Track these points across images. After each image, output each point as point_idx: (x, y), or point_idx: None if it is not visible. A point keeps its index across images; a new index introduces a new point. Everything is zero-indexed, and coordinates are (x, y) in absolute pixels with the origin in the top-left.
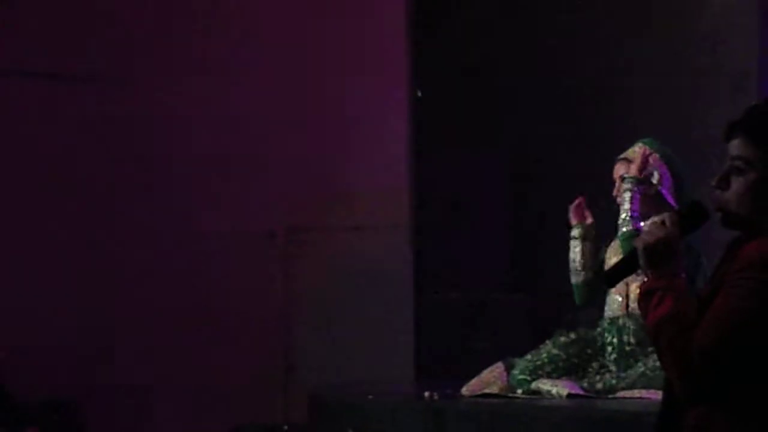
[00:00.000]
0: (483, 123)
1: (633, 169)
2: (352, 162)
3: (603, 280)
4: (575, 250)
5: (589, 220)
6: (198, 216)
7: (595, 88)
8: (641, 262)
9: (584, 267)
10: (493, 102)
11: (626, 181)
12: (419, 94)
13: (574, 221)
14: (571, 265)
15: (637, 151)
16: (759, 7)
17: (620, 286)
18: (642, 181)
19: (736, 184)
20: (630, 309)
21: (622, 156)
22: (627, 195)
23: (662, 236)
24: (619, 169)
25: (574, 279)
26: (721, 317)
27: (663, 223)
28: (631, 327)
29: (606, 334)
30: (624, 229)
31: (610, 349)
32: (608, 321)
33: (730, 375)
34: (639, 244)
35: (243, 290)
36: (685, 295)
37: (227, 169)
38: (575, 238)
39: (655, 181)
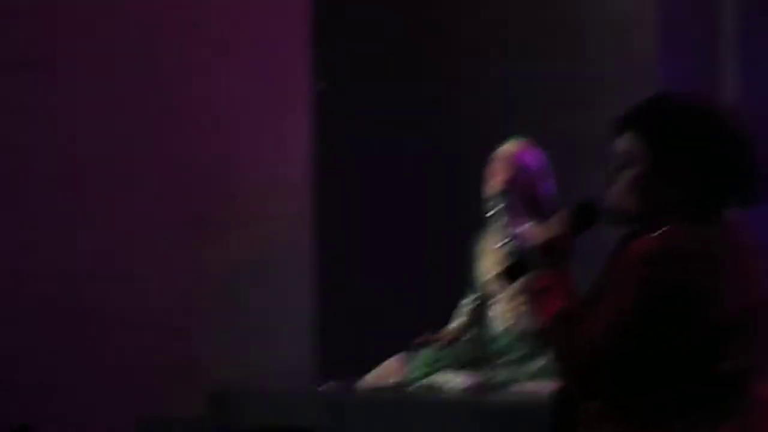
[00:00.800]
0: (387, 112)
1: (498, 183)
2: (253, 154)
3: (500, 277)
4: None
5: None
6: (97, 207)
7: (497, 81)
8: (534, 261)
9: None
10: (399, 91)
11: (494, 199)
12: (322, 84)
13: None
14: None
15: (510, 148)
16: (658, 6)
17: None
18: (511, 191)
19: (621, 179)
20: (522, 312)
21: (498, 155)
22: (500, 213)
23: (553, 236)
24: (496, 168)
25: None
26: (607, 316)
27: (554, 222)
28: (522, 328)
29: (505, 338)
30: (510, 250)
31: (512, 352)
32: (501, 320)
33: (618, 373)
34: (531, 243)
35: (143, 283)
36: (573, 293)
37: (127, 159)
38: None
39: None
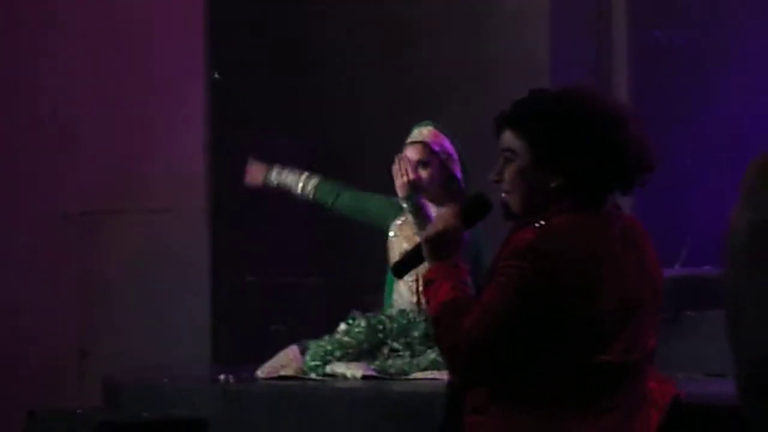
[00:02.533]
0: (282, 105)
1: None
2: (148, 145)
3: (392, 270)
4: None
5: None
6: None
7: (392, 74)
8: (425, 253)
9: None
10: (291, 84)
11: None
12: (216, 76)
13: (403, 194)
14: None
15: (426, 132)
16: None
17: (410, 281)
18: (428, 177)
19: (507, 173)
20: (421, 306)
21: (414, 139)
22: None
23: (443, 228)
24: (414, 153)
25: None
26: (485, 307)
27: (445, 215)
28: (421, 324)
29: (396, 323)
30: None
31: (404, 339)
32: (398, 311)
33: (498, 361)
34: (422, 236)
35: (35, 273)
36: (465, 284)
37: (20, 149)
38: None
39: (444, 160)
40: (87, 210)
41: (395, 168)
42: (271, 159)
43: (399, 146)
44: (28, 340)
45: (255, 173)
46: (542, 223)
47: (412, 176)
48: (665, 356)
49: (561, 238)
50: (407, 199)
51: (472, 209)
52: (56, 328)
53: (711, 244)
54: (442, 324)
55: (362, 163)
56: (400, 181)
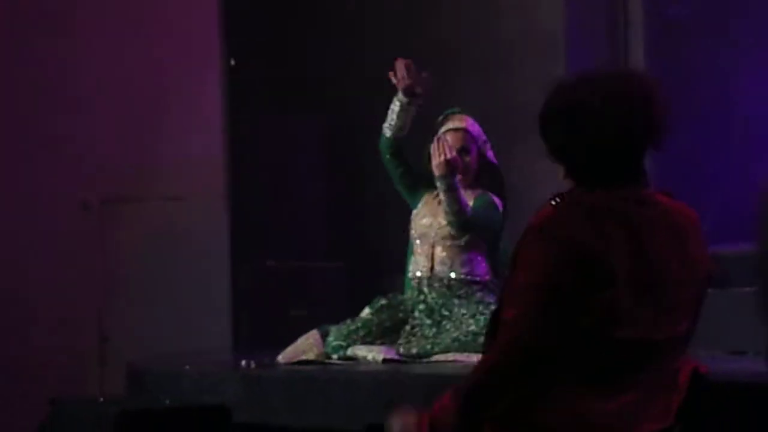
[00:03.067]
0: (300, 89)
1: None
2: (166, 132)
3: None
4: (395, 110)
5: (418, 90)
6: (9, 185)
7: (409, 52)
8: None
9: (400, 129)
10: (309, 67)
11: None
12: (232, 62)
13: (401, 85)
14: (389, 120)
15: (464, 119)
16: None
17: (426, 248)
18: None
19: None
20: (434, 272)
21: (455, 126)
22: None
23: None
24: (456, 140)
25: (387, 131)
26: (518, 292)
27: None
28: (436, 286)
29: (416, 294)
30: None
31: (422, 306)
32: (415, 281)
33: (533, 349)
34: None
35: (56, 261)
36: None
37: (39, 138)
38: (401, 102)
39: (480, 145)
40: (106, 198)
41: (433, 147)
42: (288, 142)
43: (418, 126)
44: (49, 329)
45: None
46: (557, 199)
47: (450, 156)
48: None
49: (575, 211)
50: (444, 177)
51: None
52: (77, 316)
53: (731, 222)
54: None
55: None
56: (437, 160)
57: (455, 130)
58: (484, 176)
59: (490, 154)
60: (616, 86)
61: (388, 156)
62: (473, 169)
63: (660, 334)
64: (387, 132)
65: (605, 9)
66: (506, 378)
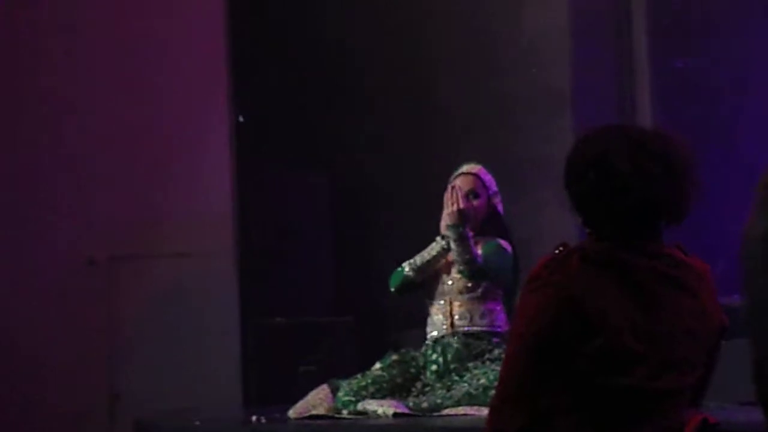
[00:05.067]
0: (306, 147)
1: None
2: (174, 188)
3: None
4: (431, 254)
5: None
6: (16, 242)
7: (414, 111)
8: None
9: (423, 272)
10: (316, 123)
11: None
12: (241, 119)
13: (445, 230)
14: (418, 259)
15: (477, 167)
16: (571, 26)
17: (443, 305)
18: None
19: None
20: (455, 328)
21: (467, 171)
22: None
23: None
24: (466, 183)
25: (408, 271)
26: (509, 347)
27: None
28: (455, 345)
29: (429, 352)
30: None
31: (434, 367)
32: (432, 340)
33: (527, 398)
34: None
35: (64, 319)
36: None
37: (46, 193)
38: (442, 246)
39: (491, 195)
40: (114, 255)
41: (446, 196)
42: (296, 197)
43: (425, 180)
44: (58, 385)
45: None
46: (561, 248)
47: (463, 206)
48: None
49: (577, 260)
50: (454, 227)
51: None
52: (86, 373)
53: (739, 273)
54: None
55: (389, 199)
56: (450, 209)
57: (465, 174)
58: (490, 226)
59: (499, 206)
60: (654, 151)
61: (395, 291)
62: (482, 214)
63: (663, 384)
64: (411, 273)
65: (612, 63)
66: (508, 407)
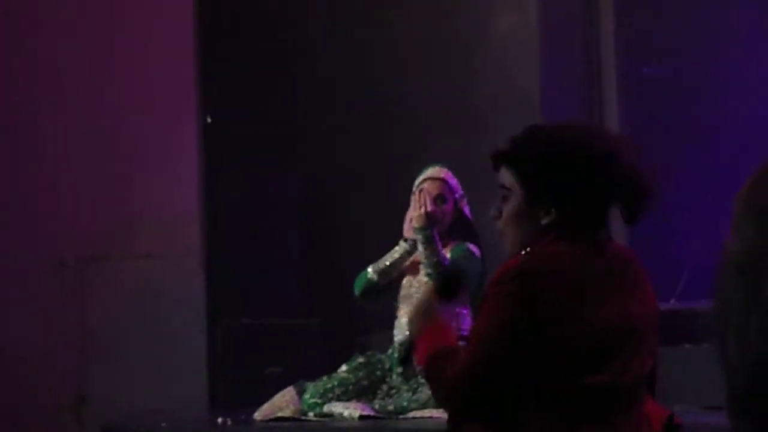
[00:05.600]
0: (276, 147)
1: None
2: (141, 189)
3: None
4: (394, 257)
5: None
6: None
7: (383, 112)
8: (411, 334)
9: (387, 274)
10: (284, 124)
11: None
12: (209, 119)
13: (410, 234)
14: (381, 262)
15: (443, 171)
16: (540, 29)
17: (410, 309)
18: (440, 216)
19: (504, 211)
20: None
21: (433, 176)
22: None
23: (419, 305)
24: (433, 188)
25: (372, 274)
26: (473, 337)
27: (422, 295)
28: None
29: (396, 355)
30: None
31: (400, 370)
32: (398, 343)
33: (493, 386)
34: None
35: (32, 321)
36: (444, 334)
37: (15, 195)
38: (405, 249)
39: (458, 198)
40: (82, 256)
41: (414, 199)
42: (264, 199)
43: (393, 182)
44: (26, 388)
45: None
46: (528, 250)
47: (430, 209)
48: (662, 389)
49: (547, 261)
50: (422, 230)
51: (445, 286)
52: (54, 374)
53: (707, 278)
54: (432, 375)
55: (357, 201)
56: (418, 212)
57: (433, 179)
58: (457, 230)
59: (466, 209)
60: (618, 138)
61: (360, 295)
62: (449, 219)
63: (629, 377)
64: (374, 276)
65: (580, 65)
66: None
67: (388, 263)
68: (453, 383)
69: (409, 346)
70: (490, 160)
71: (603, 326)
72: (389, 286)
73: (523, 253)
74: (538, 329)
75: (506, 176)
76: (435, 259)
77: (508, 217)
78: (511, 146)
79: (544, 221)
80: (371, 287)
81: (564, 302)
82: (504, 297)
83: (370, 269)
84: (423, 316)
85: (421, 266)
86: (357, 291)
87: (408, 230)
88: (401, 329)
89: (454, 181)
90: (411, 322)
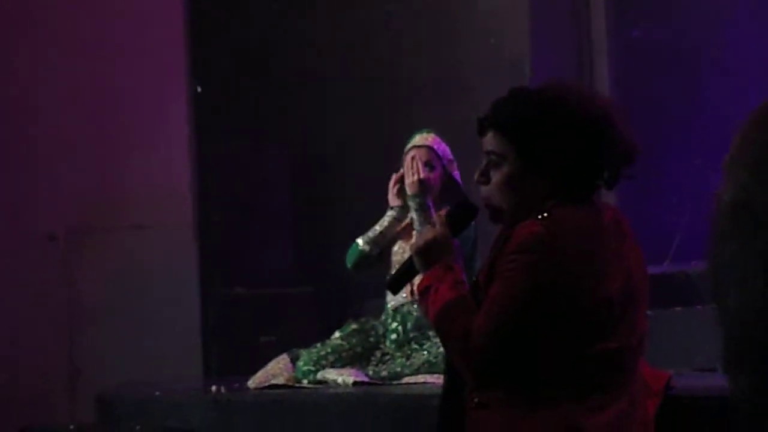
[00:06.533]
0: (266, 117)
1: (421, 176)
2: (132, 160)
3: (387, 285)
4: (383, 225)
5: (402, 201)
6: None
7: (373, 81)
8: (417, 264)
9: (378, 244)
10: (274, 95)
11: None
12: (198, 89)
13: (396, 201)
14: (372, 233)
15: (430, 138)
16: None
17: (417, 237)
18: (432, 183)
19: (495, 177)
20: (414, 296)
21: (420, 143)
22: (423, 205)
23: (431, 237)
24: (420, 155)
25: (363, 245)
26: (497, 302)
27: (433, 225)
28: (415, 314)
29: (390, 321)
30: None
31: (394, 336)
32: (392, 309)
33: (512, 355)
34: (412, 248)
35: (24, 294)
36: (460, 284)
37: (4, 168)
38: (393, 217)
39: (446, 164)
40: (72, 229)
41: (406, 166)
42: (255, 169)
43: (383, 151)
44: (18, 362)
45: None
46: (545, 215)
47: (423, 175)
48: (654, 352)
49: (566, 229)
50: (416, 197)
51: (459, 216)
52: (46, 348)
53: (698, 241)
54: (447, 324)
55: (348, 170)
56: (411, 179)
57: (419, 147)
58: (447, 196)
59: (456, 174)
60: (604, 98)
61: (352, 267)
62: (437, 185)
63: (635, 339)
64: (366, 247)
65: (570, 33)
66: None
67: (377, 232)
68: (479, 340)
69: (401, 274)
70: (478, 123)
71: (612, 293)
72: (381, 255)
73: (540, 217)
74: (555, 299)
75: (497, 142)
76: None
77: (500, 183)
78: (504, 110)
79: (542, 185)
80: (363, 259)
81: (579, 273)
82: (528, 266)
83: (360, 240)
84: (434, 247)
85: (414, 233)
86: (349, 264)
87: (393, 198)
88: (395, 296)
89: (441, 147)
90: (419, 251)
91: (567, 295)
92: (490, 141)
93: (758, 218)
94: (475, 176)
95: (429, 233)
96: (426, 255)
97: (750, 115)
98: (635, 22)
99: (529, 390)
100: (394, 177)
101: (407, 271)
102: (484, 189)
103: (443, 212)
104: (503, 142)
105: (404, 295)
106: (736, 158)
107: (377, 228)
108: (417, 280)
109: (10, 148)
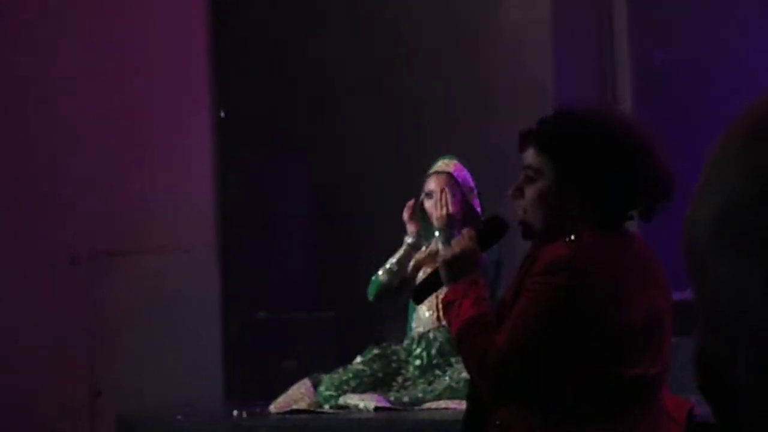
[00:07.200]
0: (288, 141)
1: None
2: (155, 183)
3: (412, 296)
4: (400, 254)
5: (417, 227)
6: None
7: (395, 104)
8: (442, 276)
9: (397, 274)
10: (297, 117)
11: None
12: (222, 114)
13: (411, 228)
14: (389, 264)
15: (451, 164)
16: (552, 18)
17: (430, 300)
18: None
19: (528, 193)
20: (441, 322)
21: (440, 170)
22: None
23: (460, 251)
24: (439, 183)
25: (383, 276)
26: (518, 321)
27: (462, 238)
28: (440, 340)
29: (414, 347)
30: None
31: (418, 362)
32: (417, 335)
33: (530, 375)
34: (439, 260)
35: (46, 317)
36: (485, 300)
37: (28, 190)
38: (408, 244)
39: (466, 192)
40: (94, 252)
41: (435, 199)
42: (279, 192)
43: (405, 175)
44: (40, 383)
45: None
46: (572, 238)
47: (451, 210)
48: (676, 379)
49: (593, 254)
50: (443, 230)
51: (488, 231)
52: (68, 370)
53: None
54: (468, 341)
55: (370, 193)
56: (439, 213)
57: (439, 173)
58: (470, 223)
59: (475, 202)
60: (648, 130)
61: (374, 299)
62: (457, 213)
63: (658, 368)
64: (384, 278)
65: (593, 55)
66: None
67: (394, 262)
68: (496, 357)
69: (427, 286)
70: (520, 138)
71: (637, 321)
72: (402, 284)
73: (568, 240)
74: (575, 323)
75: (535, 157)
76: None
77: (534, 199)
78: (547, 127)
79: (575, 206)
80: (384, 290)
81: (601, 299)
82: (553, 288)
83: (379, 272)
84: (461, 261)
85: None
86: (371, 297)
87: (408, 224)
88: (420, 321)
89: (462, 174)
90: (446, 263)
91: (587, 320)
92: (529, 156)
93: (756, 233)
94: (510, 191)
95: (457, 246)
96: (453, 268)
97: (730, 127)
98: (658, 43)
99: (550, 414)
100: (408, 205)
101: (433, 283)
102: (520, 203)
103: (470, 228)
104: (542, 158)
105: (428, 315)
106: (719, 170)
107: (393, 259)
108: (441, 295)
109: (35, 169)
